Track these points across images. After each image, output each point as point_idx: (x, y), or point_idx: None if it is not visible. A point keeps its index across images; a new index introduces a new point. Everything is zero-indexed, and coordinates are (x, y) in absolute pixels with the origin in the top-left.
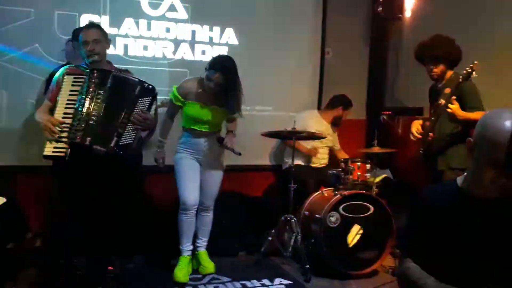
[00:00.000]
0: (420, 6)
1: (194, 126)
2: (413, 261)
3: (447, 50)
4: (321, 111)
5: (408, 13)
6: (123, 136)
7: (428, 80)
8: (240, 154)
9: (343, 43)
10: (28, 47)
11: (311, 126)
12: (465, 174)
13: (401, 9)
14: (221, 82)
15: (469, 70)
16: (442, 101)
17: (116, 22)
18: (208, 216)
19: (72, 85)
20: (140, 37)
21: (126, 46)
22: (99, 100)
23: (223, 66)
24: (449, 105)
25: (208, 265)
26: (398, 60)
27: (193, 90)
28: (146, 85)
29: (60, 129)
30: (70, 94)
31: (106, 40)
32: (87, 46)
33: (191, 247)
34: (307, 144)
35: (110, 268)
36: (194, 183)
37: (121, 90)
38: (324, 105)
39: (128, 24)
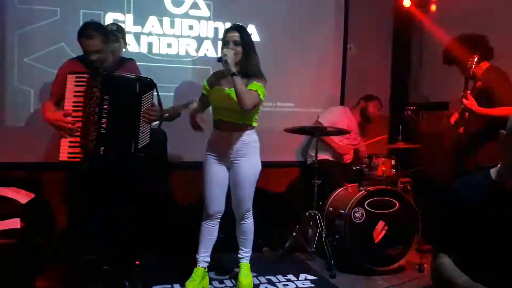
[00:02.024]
0: None
1: (218, 115)
2: (447, 256)
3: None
4: (350, 109)
5: (431, 6)
6: (140, 138)
7: (452, 75)
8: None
9: (366, 38)
10: (54, 45)
11: (342, 122)
12: (499, 166)
13: (424, 3)
14: (238, 40)
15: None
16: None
17: (140, 20)
18: (245, 225)
19: (76, 85)
20: (164, 35)
21: (150, 44)
22: (105, 107)
23: (237, 25)
24: (463, 100)
25: (244, 280)
26: (422, 54)
27: (217, 77)
28: (144, 79)
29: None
30: (75, 96)
31: (106, 41)
32: (96, 54)
33: (208, 259)
34: (337, 140)
35: (137, 262)
36: (217, 190)
37: (124, 91)
38: (349, 104)
39: (151, 22)
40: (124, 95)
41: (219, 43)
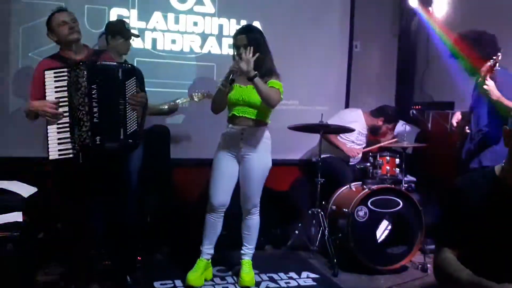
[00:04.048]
0: None
1: (232, 111)
2: (450, 251)
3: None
4: (365, 112)
5: (437, 5)
6: (128, 125)
7: (458, 74)
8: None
9: (372, 36)
10: None
11: (353, 126)
12: (503, 163)
13: (430, 1)
14: (246, 42)
15: (492, 63)
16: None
17: (144, 16)
18: (251, 220)
19: (56, 81)
20: (168, 31)
21: (154, 40)
22: (95, 96)
23: (244, 27)
24: (486, 81)
25: (246, 277)
26: (428, 53)
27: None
28: (125, 66)
29: (59, 128)
30: (56, 91)
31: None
32: (67, 24)
33: (211, 251)
34: (345, 141)
35: (139, 258)
36: (224, 183)
37: (108, 79)
38: (357, 103)
39: (156, 18)
40: (108, 82)
41: (224, 40)
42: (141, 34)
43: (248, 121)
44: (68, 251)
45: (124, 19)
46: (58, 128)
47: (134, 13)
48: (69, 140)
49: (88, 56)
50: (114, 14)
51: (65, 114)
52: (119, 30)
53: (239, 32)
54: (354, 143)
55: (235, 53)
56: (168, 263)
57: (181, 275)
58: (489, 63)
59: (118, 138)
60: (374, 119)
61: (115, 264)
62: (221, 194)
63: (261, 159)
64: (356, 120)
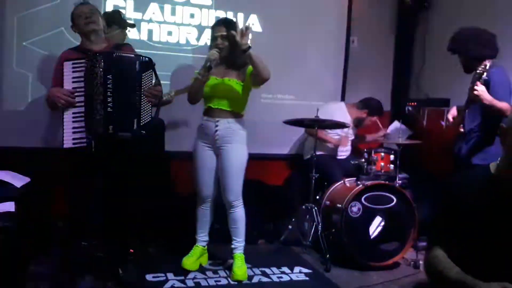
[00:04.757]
0: None
1: (208, 103)
2: (441, 248)
3: (463, 44)
4: (348, 105)
5: (435, 2)
6: (142, 116)
7: (454, 71)
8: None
9: (369, 32)
10: (53, 30)
11: (336, 118)
12: (498, 160)
13: None
14: (224, 34)
15: (481, 71)
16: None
17: (140, 7)
18: (235, 213)
19: (74, 71)
20: (165, 22)
21: (150, 32)
22: (110, 86)
23: (223, 19)
24: (475, 87)
25: (238, 271)
26: (425, 50)
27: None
28: (143, 58)
29: (74, 117)
30: (73, 82)
31: (100, 15)
32: (83, 16)
33: (205, 238)
34: (332, 135)
35: (131, 251)
36: (206, 175)
37: (124, 70)
38: (353, 98)
39: (152, 9)
40: (125, 73)
41: None
42: (137, 25)
43: (224, 113)
44: (62, 241)
45: (120, 10)
46: (73, 117)
47: (130, 4)
48: (83, 129)
49: (108, 48)
50: (110, 4)
51: (80, 104)
52: (115, 19)
53: (218, 23)
54: (341, 137)
55: (212, 44)
56: (160, 256)
57: (174, 268)
58: (478, 70)
59: (131, 128)
60: (358, 111)
61: (108, 256)
62: (206, 187)
63: (237, 151)
64: (340, 113)
